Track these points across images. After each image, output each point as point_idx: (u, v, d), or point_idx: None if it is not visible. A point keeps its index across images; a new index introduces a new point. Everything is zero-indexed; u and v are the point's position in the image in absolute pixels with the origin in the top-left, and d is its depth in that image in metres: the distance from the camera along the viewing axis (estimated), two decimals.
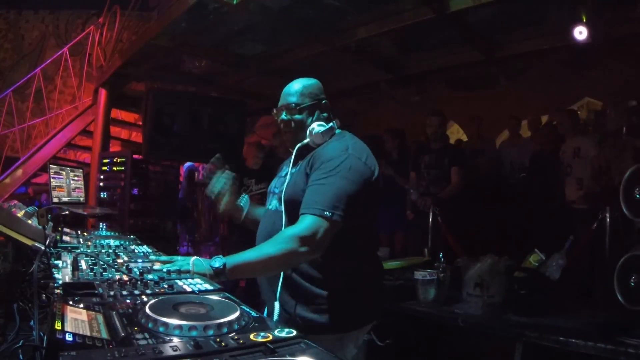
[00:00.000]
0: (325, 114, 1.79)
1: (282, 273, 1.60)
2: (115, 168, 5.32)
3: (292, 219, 1.57)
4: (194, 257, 1.46)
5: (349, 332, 1.64)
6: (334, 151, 1.62)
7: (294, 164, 1.75)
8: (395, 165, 4.75)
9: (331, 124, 1.77)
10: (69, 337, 0.81)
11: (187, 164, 7.55)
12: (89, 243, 1.94)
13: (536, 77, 5.88)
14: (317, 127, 1.71)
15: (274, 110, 1.85)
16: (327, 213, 1.47)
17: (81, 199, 4.26)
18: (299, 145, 1.72)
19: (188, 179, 7.89)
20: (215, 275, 1.39)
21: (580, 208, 4.12)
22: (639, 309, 2.33)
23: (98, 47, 7.10)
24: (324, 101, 1.80)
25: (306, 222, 1.47)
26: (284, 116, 1.78)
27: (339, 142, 1.68)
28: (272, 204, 1.76)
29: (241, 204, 1.92)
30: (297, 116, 1.75)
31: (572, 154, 4.26)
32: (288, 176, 1.71)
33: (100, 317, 0.95)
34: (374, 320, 1.77)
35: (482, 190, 4.77)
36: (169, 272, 1.37)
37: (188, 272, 1.39)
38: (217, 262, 1.40)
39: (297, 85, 1.81)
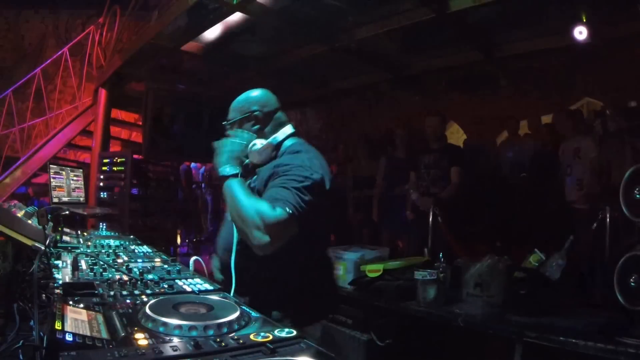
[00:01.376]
0: (256, 126, 1.75)
1: (233, 265, 1.61)
2: (115, 168, 5.32)
3: None
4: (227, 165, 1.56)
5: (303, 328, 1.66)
6: (294, 160, 1.62)
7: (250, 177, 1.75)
8: (404, 162, 4.75)
9: (271, 139, 1.73)
10: (69, 337, 0.81)
11: (183, 165, 7.58)
12: (89, 243, 1.94)
13: (536, 77, 5.89)
14: (258, 144, 1.69)
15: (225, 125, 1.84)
16: (288, 209, 1.48)
17: (81, 199, 4.26)
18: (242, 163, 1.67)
19: (186, 179, 7.90)
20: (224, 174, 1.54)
21: (580, 208, 4.12)
22: (639, 309, 2.33)
23: (98, 47, 7.10)
24: (255, 113, 1.75)
25: (277, 213, 1.46)
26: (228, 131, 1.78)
27: (291, 156, 1.67)
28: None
29: None
30: (231, 132, 1.74)
31: (572, 154, 4.26)
32: (254, 178, 1.73)
33: (100, 317, 0.95)
34: (327, 315, 1.88)
35: (482, 191, 4.77)
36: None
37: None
38: (226, 171, 1.55)
39: (234, 102, 1.82)
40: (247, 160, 1.70)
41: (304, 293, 1.68)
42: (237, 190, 1.53)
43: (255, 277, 1.61)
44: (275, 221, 1.44)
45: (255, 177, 1.73)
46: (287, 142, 1.77)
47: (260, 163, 1.70)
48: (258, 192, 1.63)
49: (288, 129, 1.79)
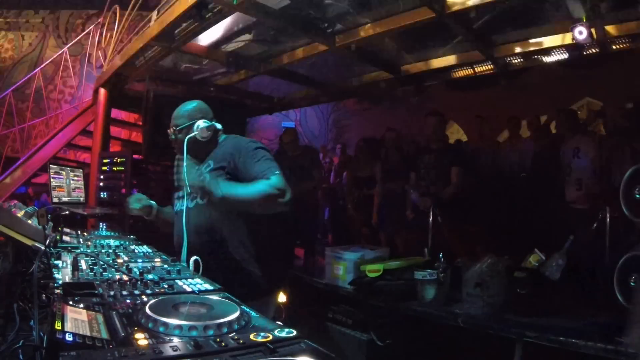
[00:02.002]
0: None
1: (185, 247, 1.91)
2: (115, 168, 5.31)
3: (216, 210, 1.94)
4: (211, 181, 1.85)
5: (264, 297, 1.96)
6: (244, 142, 2.09)
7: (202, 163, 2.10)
8: (396, 164, 4.76)
9: (213, 123, 2.15)
10: (69, 337, 0.81)
11: None
12: (89, 243, 1.94)
13: (536, 77, 5.89)
14: (202, 123, 2.09)
15: (169, 131, 2.18)
16: (278, 172, 1.91)
17: (81, 199, 4.27)
18: (187, 138, 2.06)
19: None
20: (207, 193, 1.83)
21: (580, 208, 4.12)
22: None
23: (98, 47, 7.10)
24: (201, 119, 2.12)
25: (275, 179, 1.87)
26: (172, 136, 2.15)
27: (238, 139, 2.16)
28: (189, 201, 2.05)
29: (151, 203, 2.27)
30: (179, 136, 2.12)
31: (572, 154, 4.26)
32: (206, 174, 1.98)
33: (100, 317, 0.95)
34: (282, 286, 2.19)
35: (482, 191, 4.77)
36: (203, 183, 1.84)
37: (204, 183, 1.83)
38: (217, 188, 1.82)
39: (180, 109, 2.19)
40: (193, 134, 2.07)
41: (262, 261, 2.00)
42: (239, 190, 1.86)
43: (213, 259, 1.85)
44: (281, 183, 1.85)
45: (207, 162, 2.06)
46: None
47: (206, 139, 2.09)
48: (219, 169, 2.00)
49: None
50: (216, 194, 1.81)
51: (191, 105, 2.20)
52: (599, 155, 4.10)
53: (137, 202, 2.22)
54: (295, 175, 4.90)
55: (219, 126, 2.18)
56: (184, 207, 2.04)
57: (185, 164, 2.08)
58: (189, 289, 1.23)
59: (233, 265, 1.93)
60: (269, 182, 1.86)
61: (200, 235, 1.96)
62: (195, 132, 2.08)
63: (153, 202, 2.29)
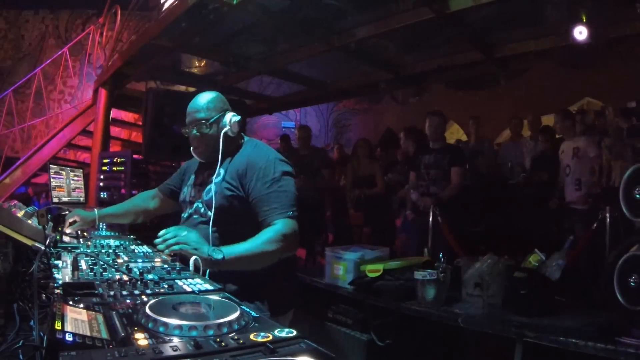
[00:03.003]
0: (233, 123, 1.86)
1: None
2: (115, 168, 5.30)
3: (221, 225, 1.76)
4: (194, 233, 1.59)
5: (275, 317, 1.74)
6: (262, 160, 1.78)
7: (216, 174, 1.83)
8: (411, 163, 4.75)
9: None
10: (69, 337, 0.81)
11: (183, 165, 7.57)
12: (89, 243, 1.94)
13: (536, 77, 5.89)
14: (232, 116, 1.83)
15: (184, 129, 1.91)
16: (290, 213, 1.70)
17: (81, 199, 4.27)
18: (222, 133, 1.81)
19: None
20: (211, 264, 1.55)
21: (580, 208, 4.12)
22: (639, 309, 2.33)
23: (98, 47, 7.11)
24: (228, 112, 1.89)
25: (283, 224, 1.66)
26: (194, 132, 1.86)
27: (258, 149, 1.86)
28: (194, 212, 1.87)
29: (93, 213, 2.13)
30: (207, 130, 1.84)
31: (571, 154, 4.26)
32: (213, 186, 1.80)
33: (100, 317, 0.95)
34: (293, 307, 1.94)
35: (482, 191, 4.77)
36: (169, 246, 1.49)
37: (192, 252, 1.52)
38: (218, 254, 1.55)
39: (202, 100, 1.88)
40: (226, 129, 1.82)
41: (272, 281, 1.78)
42: (244, 250, 1.61)
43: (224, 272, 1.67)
44: (291, 229, 1.66)
45: (218, 171, 1.81)
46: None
47: (233, 135, 1.83)
48: (227, 183, 1.77)
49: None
50: (217, 261, 1.56)
51: (212, 95, 1.90)
52: (598, 155, 4.10)
53: (73, 224, 2.04)
54: (304, 173, 4.99)
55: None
56: (190, 214, 1.90)
57: (192, 171, 1.97)
58: (189, 289, 1.23)
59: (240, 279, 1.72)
60: (275, 230, 1.64)
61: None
62: (227, 127, 1.81)
63: (91, 213, 2.14)
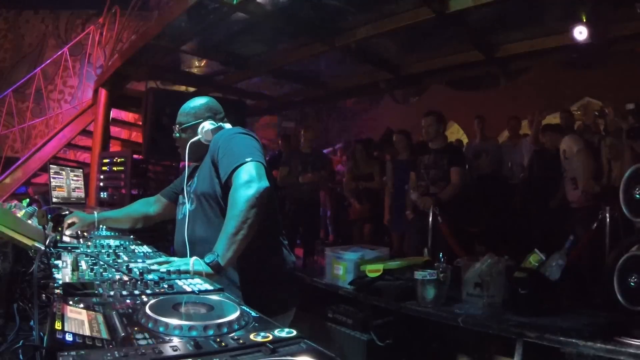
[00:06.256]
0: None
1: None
2: (115, 168, 5.31)
3: (208, 213, 1.77)
4: (193, 258, 1.51)
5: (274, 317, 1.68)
6: (222, 138, 1.78)
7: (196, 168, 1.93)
8: (405, 165, 4.75)
9: (221, 124, 1.94)
10: (68, 337, 0.81)
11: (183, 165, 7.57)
12: (89, 243, 1.93)
13: (536, 77, 5.89)
14: (207, 125, 1.89)
15: (174, 127, 2.01)
16: (247, 159, 1.62)
17: (81, 199, 4.26)
18: (190, 142, 1.90)
19: None
20: (214, 274, 1.49)
21: (580, 208, 4.12)
22: (639, 309, 2.33)
23: (98, 47, 7.11)
24: (210, 119, 1.93)
25: (237, 175, 1.60)
26: (175, 134, 1.99)
27: (223, 132, 1.86)
28: (184, 209, 1.89)
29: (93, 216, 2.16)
30: (182, 134, 1.96)
31: (571, 154, 4.26)
32: (195, 179, 1.87)
33: (100, 317, 0.95)
34: (293, 307, 1.90)
35: (482, 191, 4.77)
36: (169, 272, 1.38)
37: (187, 272, 1.43)
38: (211, 258, 1.51)
39: (188, 105, 1.99)
40: (197, 137, 1.90)
41: (270, 282, 1.77)
42: (225, 241, 1.53)
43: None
44: (250, 172, 1.58)
45: (192, 175, 1.90)
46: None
47: (207, 143, 1.86)
48: (204, 179, 1.80)
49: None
50: (213, 265, 1.49)
51: (199, 101, 1.98)
52: (599, 155, 4.10)
53: (72, 225, 2.05)
54: (305, 170, 5.01)
55: (227, 127, 1.93)
56: (184, 214, 1.89)
57: (186, 173, 1.99)
58: (189, 289, 1.23)
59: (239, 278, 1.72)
60: (234, 187, 1.57)
61: (203, 246, 1.69)
62: (200, 135, 1.88)
63: (90, 216, 2.16)
